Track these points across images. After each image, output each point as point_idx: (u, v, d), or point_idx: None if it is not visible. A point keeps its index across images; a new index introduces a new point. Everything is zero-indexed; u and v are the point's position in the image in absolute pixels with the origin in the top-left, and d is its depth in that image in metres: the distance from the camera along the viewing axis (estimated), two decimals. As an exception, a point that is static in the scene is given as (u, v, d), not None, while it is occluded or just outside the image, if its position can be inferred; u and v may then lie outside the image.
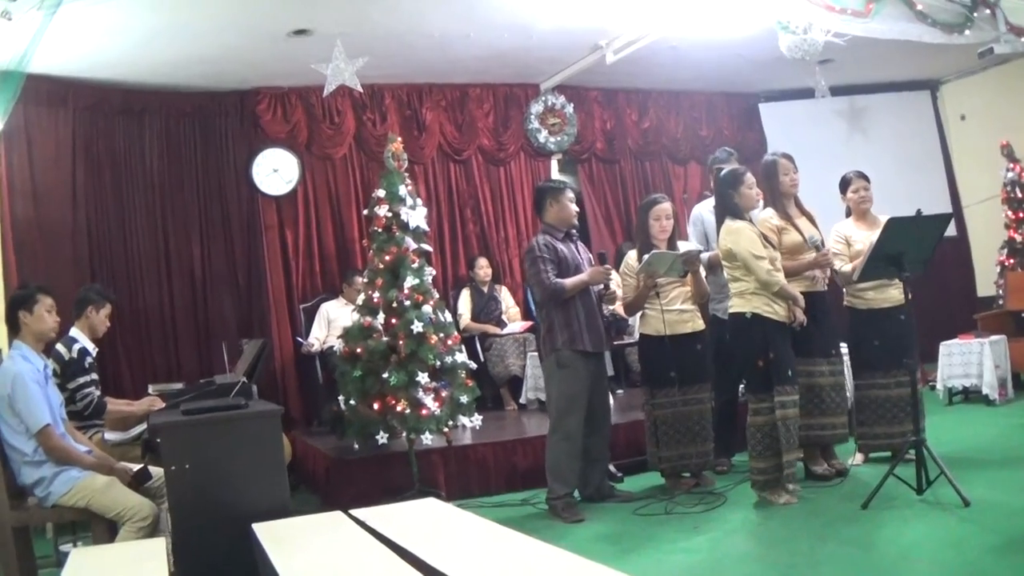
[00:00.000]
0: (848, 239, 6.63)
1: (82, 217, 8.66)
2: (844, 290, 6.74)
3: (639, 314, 6.78)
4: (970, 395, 9.07)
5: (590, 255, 6.70)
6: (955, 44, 7.93)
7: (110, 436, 6.17)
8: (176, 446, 4.72)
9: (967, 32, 7.86)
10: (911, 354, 6.09)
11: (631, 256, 6.72)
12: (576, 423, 6.36)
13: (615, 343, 8.91)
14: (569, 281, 6.35)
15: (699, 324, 6.70)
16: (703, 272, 6.71)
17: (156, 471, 5.21)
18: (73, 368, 6.09)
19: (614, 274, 6.71)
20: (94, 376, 6.19)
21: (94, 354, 6.33)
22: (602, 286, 6.55)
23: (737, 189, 6.17)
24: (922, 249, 5.84)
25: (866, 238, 6.42)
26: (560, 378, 6.41)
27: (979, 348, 8.81)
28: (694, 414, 6.60)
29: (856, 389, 6.76)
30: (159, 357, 9.00)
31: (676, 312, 6.57)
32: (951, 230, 10.76)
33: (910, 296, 5.93)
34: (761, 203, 6.50)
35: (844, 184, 6.79)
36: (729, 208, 6.19)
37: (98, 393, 6.19)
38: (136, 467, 5.31)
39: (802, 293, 6.20)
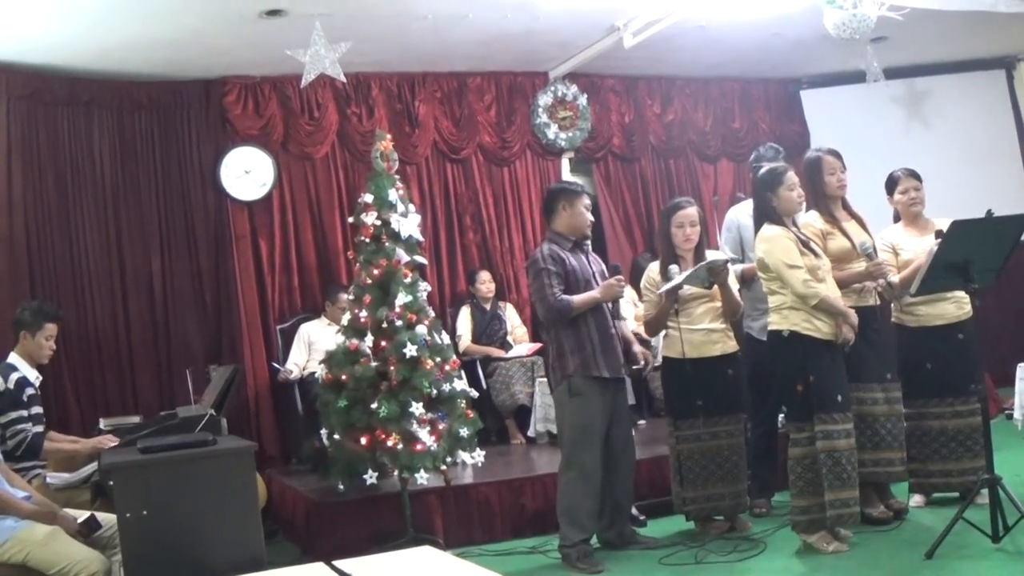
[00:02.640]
0: (895, 247, 6.63)
1: (20, 225, 8.56)
2: (892, 304, 6.69)
3: (663, 334, 6.75)
4: (1057, 425, 8.97)
5: (603, 268, 6.67)
6: (1037, 11, 7.83)
7: (53, 479, 6.12)
8: (131, 490, 4.68)
9: (1052, -3, 7.73)
10: (976, 378, 6.02)
11: (653, 269, 6.71)
12: (592, 459, 6.33)
13: (636, 367, 8.88)
14: (578, 298, 6.33)
15: (730, 345, 6.68)
16: (735, 285, 6.67)
17: (108, 518, 5.15)
18: (7, 400, 6.05)
19: (629, 290, 6.68)
20: (36, 410, 6.16)
21: (37, 384, 6.29)
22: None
23: (776, 191, 6.13)
24: (994, 256, 5.80)
25: (916, 246, 6.42)
26: (572, 408, 6.39)
27: None
28: (724, 449, 6.59)
29: (907, 419, 6.70)
30: (112, 387, 8.94)
31: (703, 332, 6.56)
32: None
33: (973, 311, 5.85)
34: (804, 206, 6.46)
35: (891, 184, 6.78)
36: (766, 212, 6.16)
37: (35, 429, 6.14)
38: (84, 514, 5.25)
39: (852, 308, 6.15)
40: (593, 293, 6.38)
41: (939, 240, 5.96)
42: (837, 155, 6.49)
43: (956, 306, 6.44)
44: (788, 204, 6.16)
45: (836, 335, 5.96)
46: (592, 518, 6.38)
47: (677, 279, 6.36)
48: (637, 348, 6.71)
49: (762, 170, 6.41)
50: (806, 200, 6.43)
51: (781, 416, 6.93)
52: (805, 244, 6.05)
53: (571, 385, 6.35)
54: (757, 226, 6.24)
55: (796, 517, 6.05)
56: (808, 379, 5.89)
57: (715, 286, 6.51)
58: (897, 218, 6.80)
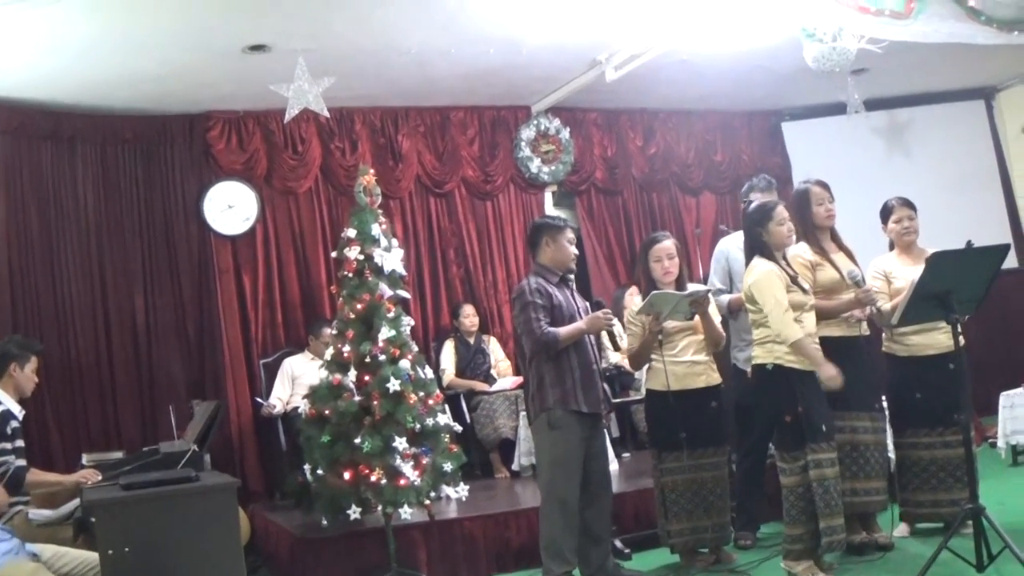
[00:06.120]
0: (888, 275, 6.65)
1: (2, 259, 8.54)
2: (883, 334, 6.70)
3: (646, 367, 6.75)
4: (1039, 453, 8.99)
5: (586, 304, 6.65)
6: (1015, 44, 7.80)
7: (35, 515, 6.08)
8: (114, 526, 4.66)
9: (1030, 29, 7.75)
10: (962, 408, 6.03)
11: (636, 302, 6.69)
12: (571, 492, 6.30)
13: (620, 400, 8.86)
14: (564, 330, 6.31)
15: (714, 377, 6.67)
16: (717, 316, 6.67)
17: (90, 556, 5.12)
18: None
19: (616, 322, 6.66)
20: (18, 443, 6.14)
21: (20, 417, 6.27)
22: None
23: (766, 226, 6.14)
24: (974, 287, 5.82)
25: (909, 274, 6.41)
26: (551, 441, 6.37)
27: None
28: (708, 481, 6.58)
29: (897, 448, 6.72)
30: (95, 422, 8.88)
31: (687, 364, 6.55)
32: (1012, 261, 10.70)
33: (957, 343, 5.86)
34: (794, 238, 6.49)
35: (885, 213, 6.81)
36: (757, 247, 6.18)
37: (18, 463, 6.11)
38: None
39: (840, 337, 6.26)
40: (579, 324, 6.36)
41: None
42: (825, 186, 6.57)
43: (947, 336, 6.39)
44: (778, 238, 6.17)
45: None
46: (573, 550, 6.33)
47: (655, 299, 6.35)
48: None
49: (752, 205, 6.41)
50: (796, 232, 6.47)
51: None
52: (793, 280, 6.07)
53: (551, 418, 6.32)
54: (748, 260, 6.26)
55: (789, 546, 6.03)
56: (797, 410, 5.89)
57: (697, 317, 6.51)
58: (892, 247, 6.83)
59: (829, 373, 5.87)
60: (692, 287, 6.67)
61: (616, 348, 6.72)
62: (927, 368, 6.53)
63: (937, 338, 6.49)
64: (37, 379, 6.50)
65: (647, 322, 6.47)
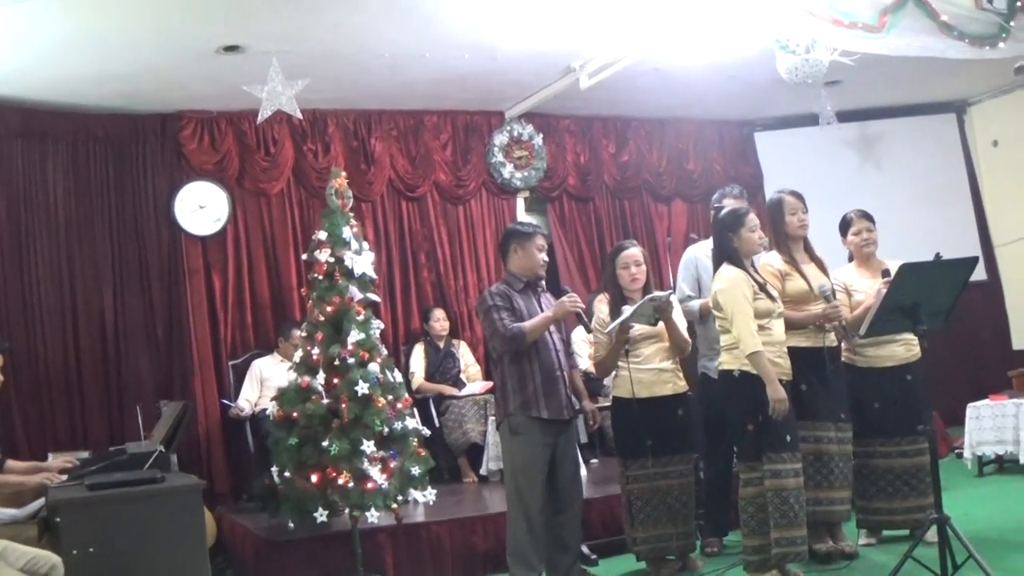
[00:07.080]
0: (848, 288, 6.70)
1: (-30, 257, 8.51)
2: (842, 344, 6.74)
3: (613, 375, 6.75)
4: (1005, 464, 9.03)
5: None
6: (986, 59, 7.89)
7: (0, 514, 6.04)
8: (79, 527, 4.65)
9: (1001, 45, 7.73)
10: (923, 419, 6.07)
11: (602, 310, 6.69)
12: (534, 497, 6.30)
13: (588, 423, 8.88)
14: (529, 323, 6.31)
15: (680, 385, 6.67)
16: (683, 322, 6.68)
17: (44, 553, 5.08)
18: None
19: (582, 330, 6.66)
20: (-17, 440, 6.10)
21: (-14, 416, 6.24)
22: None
23: (737, 232, 6.16)
24: (942, 299, 5.83)
25: (869, 287, 6.51)
26: (513, 447, 6.38)
27: (1015, 410, 8.71)
28: (674, 489, 6.58)
29: (855, 457, 6.75)
30: (62, 421, 8.82)
31: (654, 371, 6.56)
32: (980, 274, 10.80)
33: (923, 353, 5.89)
34: (769, 246, 6.53)
35: (844, 225, 6.87)
36: (726, 253, 6.18)
37: (-17, 459, 6.08)
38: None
39: (808, 348, 6.27)
40: (546, 313, 6.37)
41: (886, 280, 6.05)
42: (799, 196, 6.60)
43: (905, 348, 6.52)
44: (749, 245, 6.19)
45: (788, 373, 6.01)
46: (539, 556, 6.33)
47: (624, 315, 6.36)
48: (587, 405, 6.68)
49: (724, 211, 6.45)
50: (769, 240, 6.50)
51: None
52: (762, 287, 6.09)
53: (512, 423, 6.33)
54: (716, 266, 6.27)
55: (748, 557, 6.07)
56: (758, 418, 5.91)
57: (661, 323, 6.52)
58: (851, 259, 6.87)
59: (778, 395, 5.84)
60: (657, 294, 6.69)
61: (588, 330, 6.68)
62: (884, 379, 6.60)
63: (894, 350, 6.58)
64: (3, 377, 6.46)
65: (615, 330, 6.47)
